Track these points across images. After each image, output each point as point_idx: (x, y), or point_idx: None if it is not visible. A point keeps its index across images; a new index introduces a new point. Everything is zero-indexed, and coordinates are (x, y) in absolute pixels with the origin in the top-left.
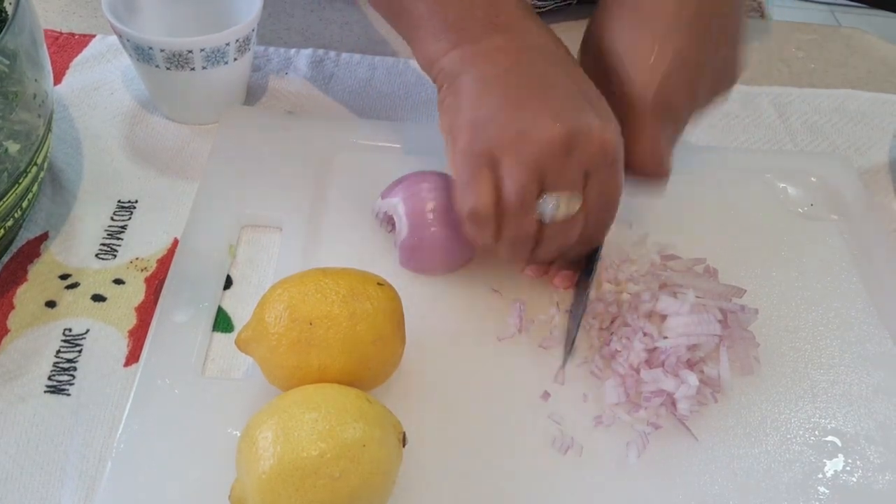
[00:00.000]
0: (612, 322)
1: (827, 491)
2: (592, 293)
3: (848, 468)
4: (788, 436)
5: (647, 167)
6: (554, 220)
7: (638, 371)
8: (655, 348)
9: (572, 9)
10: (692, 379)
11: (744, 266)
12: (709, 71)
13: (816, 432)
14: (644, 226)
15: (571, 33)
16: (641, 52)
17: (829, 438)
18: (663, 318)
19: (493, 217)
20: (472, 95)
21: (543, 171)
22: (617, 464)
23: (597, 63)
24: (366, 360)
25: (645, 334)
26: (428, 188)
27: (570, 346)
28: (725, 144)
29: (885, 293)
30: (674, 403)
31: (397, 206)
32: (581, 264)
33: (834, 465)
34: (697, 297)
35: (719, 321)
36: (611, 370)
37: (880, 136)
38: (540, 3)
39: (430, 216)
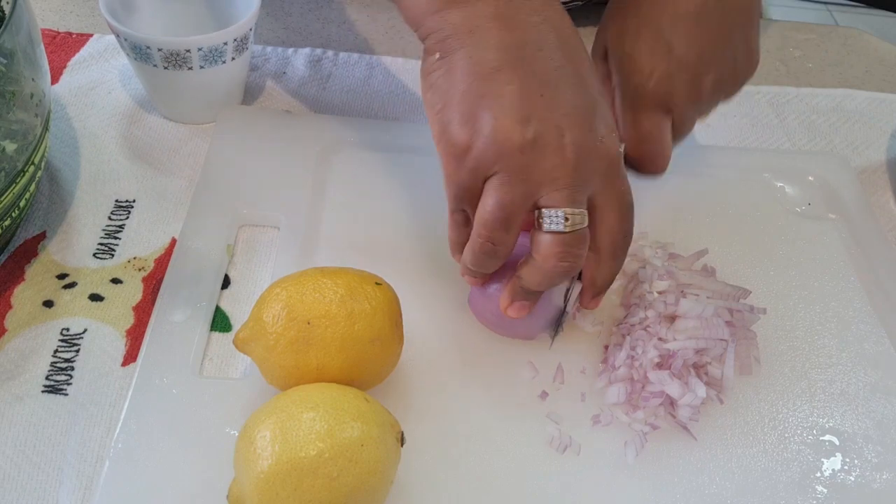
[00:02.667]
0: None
1: (825, 490)
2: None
3: (846, 467)
4: (786, 435)
5: (643, 161)
6: (561, 234)
7: (647, 377)
8: (668, 352)
9: (579, 11)
10: (701, 390)
11: (741, 265)
12: (716, 64)
13: (814, 431)
14: (641, 224)
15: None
16: (643, 47)
17: (827, 437)
18: (673, 320)
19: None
20: (468, 84)
21: (542, 188)
22: (615, 463)
23: (604, 64)
24: (364, 360)
25: (660, 339)
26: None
27: (557, 325)
28: (723, 144)
29: (882, 292)
30: (672, 404)
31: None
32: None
33: (832, 464)
34: (708, 297)
35: (727, 322)
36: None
37: (878, 136)
38: None
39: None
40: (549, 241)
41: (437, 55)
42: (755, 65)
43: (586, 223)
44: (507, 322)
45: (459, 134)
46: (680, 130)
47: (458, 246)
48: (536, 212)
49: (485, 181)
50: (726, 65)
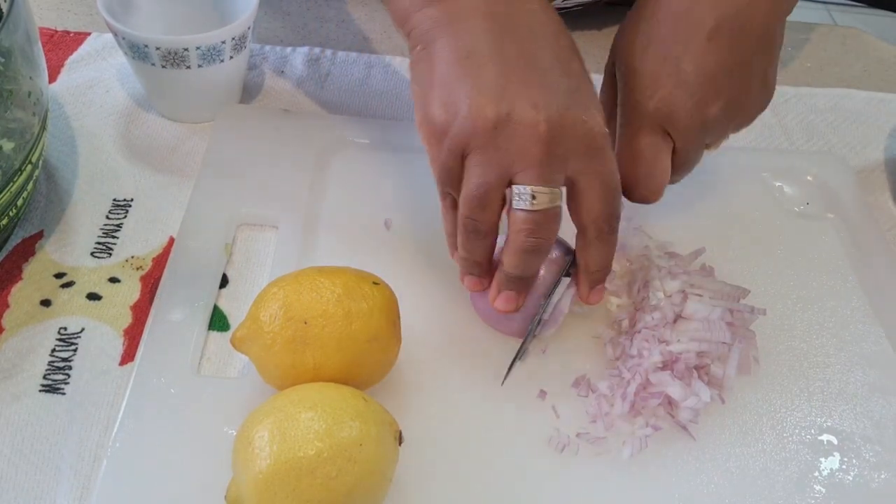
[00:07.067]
0: (635, 324)
1: (823, 489)
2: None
3: (844, 466)
4: (784, 434)
5: (634, 183)
6: (529, 212)
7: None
8: (670, 354)
9: (587, 13)
10: (705, 394)
11: (740, 265)
12: (727, 91)
13: (812, 431)
14: (637, 220)
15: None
16: (649, 64)
17: (825, 437)
18: (675, 320)
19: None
20: (447, 68)
21: (515, 164)
22: (613, 462)
23: (615, 77)
24: (361, 359)
25: (661, 342)
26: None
27: (520, 352)
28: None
29: (880, 292)
30: (671, 404)
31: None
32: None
33: (830, 464)
34: (710, 297)
35: (728, 323)
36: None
37: (876, 135)
38: None
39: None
40: (518, 218)
41: (419, 47)
42: (769, 97)
43: (558, 202)
44: (505, 319)
45: (438, 115)
46: (682, 158)
47: (453, 238)
48: (508, 189)
49: (464, 161)
50: (738, 93)
